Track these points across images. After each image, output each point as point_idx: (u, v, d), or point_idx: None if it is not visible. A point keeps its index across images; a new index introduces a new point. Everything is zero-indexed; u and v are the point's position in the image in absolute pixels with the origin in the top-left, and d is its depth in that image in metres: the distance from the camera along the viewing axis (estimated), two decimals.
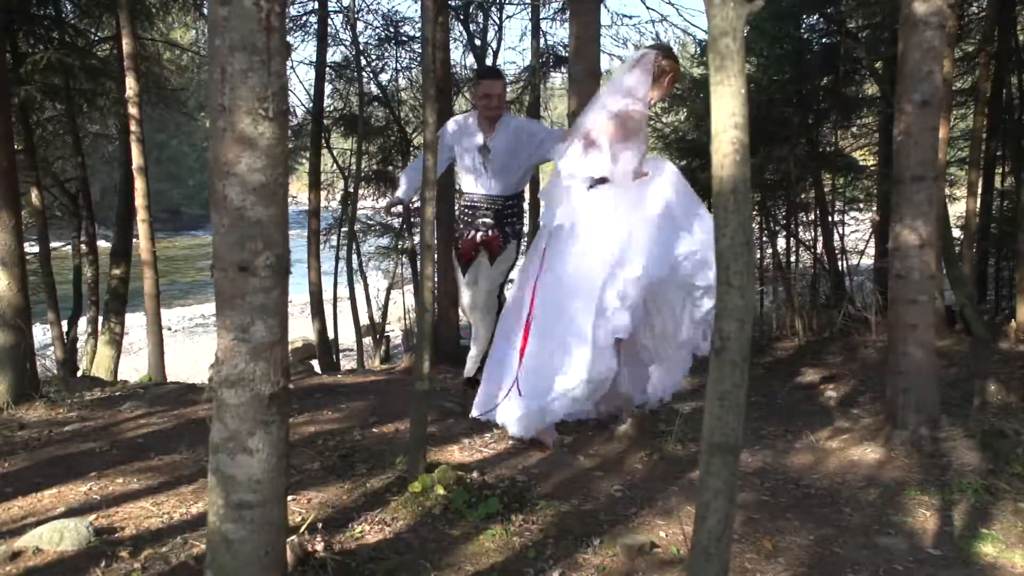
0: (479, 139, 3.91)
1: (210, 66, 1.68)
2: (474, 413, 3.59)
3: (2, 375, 4.28)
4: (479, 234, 3.97)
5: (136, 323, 12.38)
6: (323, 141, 9.46)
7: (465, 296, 4.12)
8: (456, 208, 4.14)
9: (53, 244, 8.71)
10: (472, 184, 4.03)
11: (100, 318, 8.76)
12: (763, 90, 6.89)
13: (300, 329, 11.95)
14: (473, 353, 4.14)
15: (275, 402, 1.78)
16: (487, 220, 3.97)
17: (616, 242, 3.35)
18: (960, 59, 7.52)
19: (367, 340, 9.94)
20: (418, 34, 9.51)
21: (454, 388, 4.31)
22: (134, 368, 9.65)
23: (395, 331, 11.69)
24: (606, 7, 10.34)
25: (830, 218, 7.58)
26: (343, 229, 9.94)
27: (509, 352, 3.52)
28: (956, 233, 6.68)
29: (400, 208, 4.13)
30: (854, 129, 8.26)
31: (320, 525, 2.29)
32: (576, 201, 3.46)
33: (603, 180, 3.42)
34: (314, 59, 8.98)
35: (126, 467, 3.04)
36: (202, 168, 36.08)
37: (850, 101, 7.37)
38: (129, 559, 2.19)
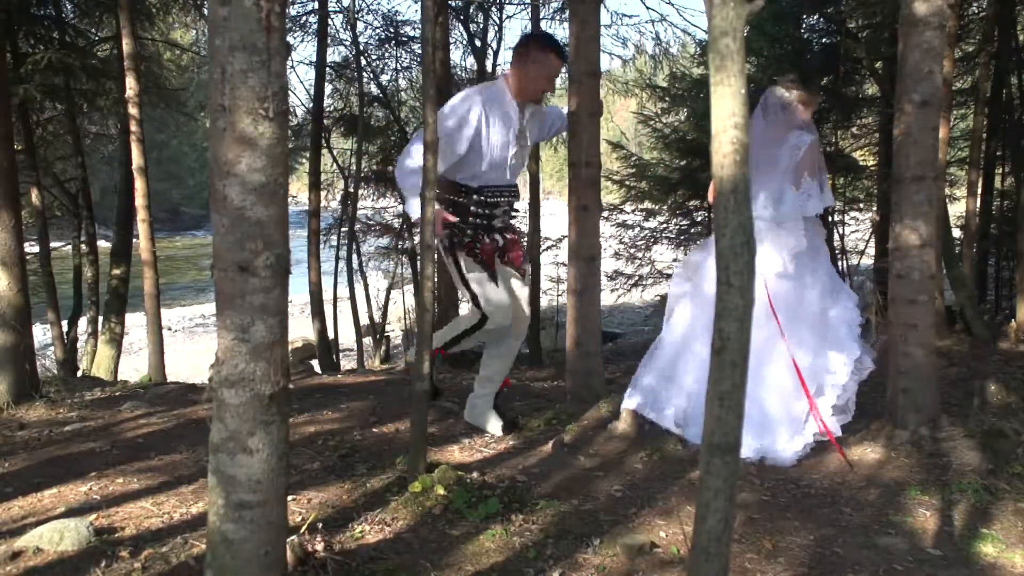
0: (517, 123, 3.37)
1: (210, 66, 1.68)
2: (755, 456, 3.18)
3: (2, 375, 4.28)
4: (499, 236, 3.43)
5: (136, 323, 12.39)
6: (323, 141, 9.47)
7: (502, 310, 3.40)
8: (453, 204, 3.33)
9: (53, 244, 8.73)
10: (493, 175, 3.39)
11: (100, 318, 8.76)
12: (763, 90, 6.89)
13: (300, 329, 11.96)
14: (492, 380, 3.57)
15: (275, 402, 1.78)
16: (506, 218, 3.48)
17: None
18: (960, 59, 7.52)
19: (367, 340, 9.95)
20: (418, 34, 9.52)
21: (454, 388, 4.31)
22: (134, 368, 9.65)
23: (395, 331, 11.70)
24: (606, 7, 10.34)
25: (830, 218, 7.58)
26: (343, 229, 9.95)
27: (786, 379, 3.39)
28: (956, 233, 6.68)
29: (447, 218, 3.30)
30: (854, 129, 8.26)
31: (320, 525, 2.29)
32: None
33: None
34: (314, 59, 9.00)
35: (126, 467, 3.04)
36: (202, 168, 36.12)
37: (850, 101, 7.37)
38: (129, 559, 2.19)
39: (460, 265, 3.38)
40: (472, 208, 3.37)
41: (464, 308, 3.96)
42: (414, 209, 3.08)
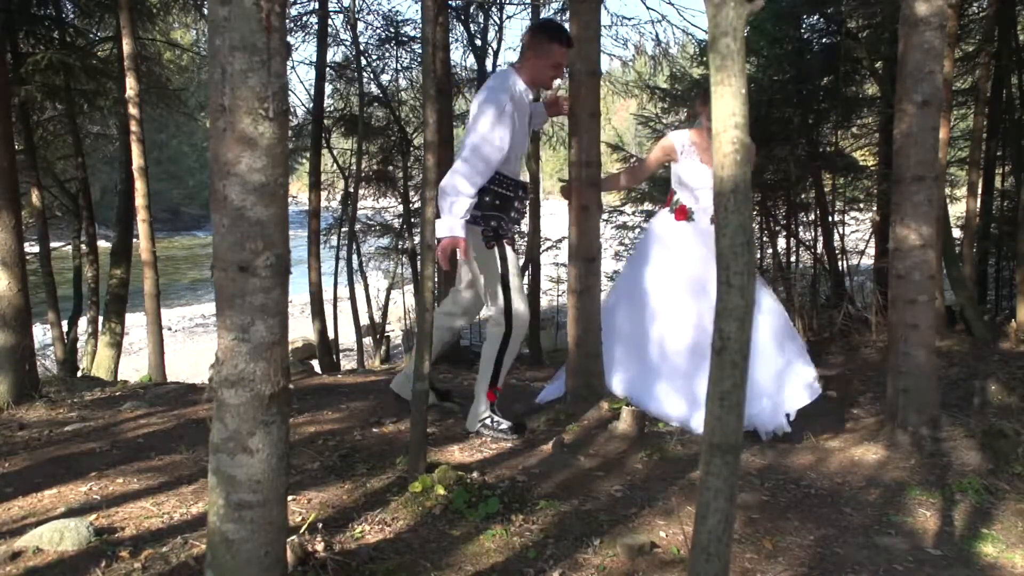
0: (528, 113, 3.43)
1: (210, 66, 1.68)
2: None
3: (2, 375, 4.28)
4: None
5: (136, 323, 12.40)
6: (323, 141, 9.47)
7: (521, 316, 3.36)
8: (496, 195, 3.29)
9: (53, 244, 8.73)
10: (515, 168, 3.40)
11: (100, 318, 8.76)
12: (763, 90, 6.89)
13: (300, 329, 11.97)
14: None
15: (275, 402, 1.78)
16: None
17: None
18: (960, 59, 7.52)
19: (367, 340, 9.94)
20: (418, 34, 9.52)
21: (454, 388, 4.31)
22: (134, 368, 9.66)
23: (395, 331, 11.71)
24: (606, 8, 10.34)
25: (830, 218, 7.58)
26: (343, 229, 9.95)
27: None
28: (956, 233, 6.68)
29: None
30: (854, 129, 8.25)
31: (320, 525, 2.29)
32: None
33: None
34: (314, 59, 9.00)
35: (126, 467, 3.04)
36: (202, 168, 36.14)
37: (850, 101, 7.36)
38: (129, 559, 2.19)
39: (507, 259, 3.29)
40: (515, 203, 3.38)
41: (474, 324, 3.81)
42: (442, 228, 3.10)
